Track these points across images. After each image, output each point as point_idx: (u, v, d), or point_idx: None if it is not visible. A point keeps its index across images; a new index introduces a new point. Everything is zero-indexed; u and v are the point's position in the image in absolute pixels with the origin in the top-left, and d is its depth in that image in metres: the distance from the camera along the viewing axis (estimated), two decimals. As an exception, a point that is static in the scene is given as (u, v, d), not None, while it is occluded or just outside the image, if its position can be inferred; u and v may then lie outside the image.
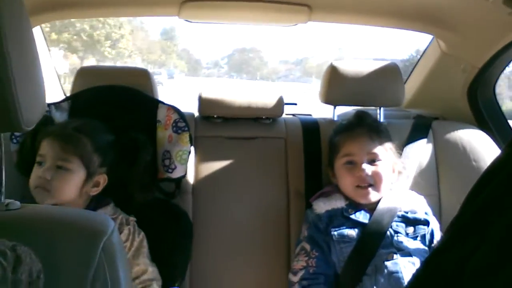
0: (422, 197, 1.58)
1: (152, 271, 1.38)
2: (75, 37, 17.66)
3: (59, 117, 1.55)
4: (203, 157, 1.73)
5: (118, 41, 19.12)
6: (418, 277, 0.65)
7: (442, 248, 0.63)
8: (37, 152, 1.37)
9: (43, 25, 1.87)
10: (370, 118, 1.64)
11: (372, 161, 1.52)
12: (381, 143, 1.55)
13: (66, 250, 0.78)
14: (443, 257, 0.61)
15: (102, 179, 1.41)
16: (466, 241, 0.58)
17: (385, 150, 1.55)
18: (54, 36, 15.47)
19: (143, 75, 1.67)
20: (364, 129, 1.56)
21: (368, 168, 1.50)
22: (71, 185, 1.35)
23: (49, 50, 2.00)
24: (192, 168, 1.69)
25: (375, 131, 1.57)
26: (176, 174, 1.54)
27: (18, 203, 0.85)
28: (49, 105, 1.56)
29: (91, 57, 18.37)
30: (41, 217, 0.84)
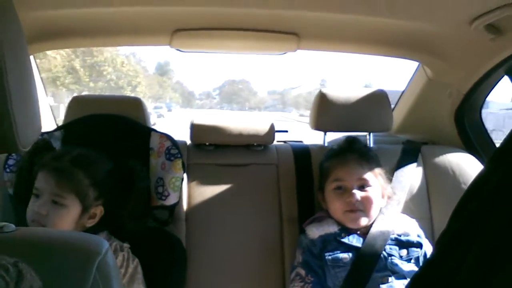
0: (414, 220, 1.59)
1: None
2: (105, 84, 23.43)
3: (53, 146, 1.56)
4: (196, 184, 1.73)
5: (136, 86, 25.71)
6: None
7: (432, 260, 0.64)
8: (34, 181, 1.36)
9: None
10: (360, 144, 1.66)
11: (361, 187, 1.54)
12: (370, 169, 1.57)
13: (61, 270, 0.77)
14: (433, 269, 0.61)
15: (99, 211, 1.40)
16: (454, 252, 0.59)
17: (374, 176, 1.57)
18: (92, 84, 21.00)
19: (136, 104, 1.69)
20: (354, 155, 1.58)
21: (358, 194, 1.52)
22: (66, 220, 1.33)
23: (41, 79, 2.01)
24: (185, 195, 1.69)
25: (365, 157, 1.59)
26: (169, 201, 1.54)
27: (12, 225, 0.85)
28: (42, 133, 1.56)
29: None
30: (35, 239, 0.84)
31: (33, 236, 0.85)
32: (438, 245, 0.63)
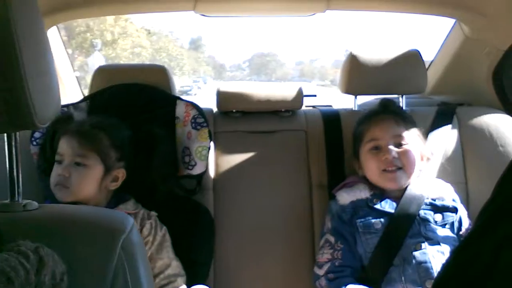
0: (449, 184, 1.54)
1: (176, 266, 1.38)
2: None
3: (78, 117, 1.56)
4: (223, 152, 1.71)
5: (183, 66, 25.41)
6: (449, 267, 0.62)
7: (474, 235, 0.60)
8: (56, 151, 1.37)
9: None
10: (394, 106, 1.61)
11: (398, 145, 1.49)
12: (407, 128, 1.51)
13: (84, 249, 0.76)
14: (475, 245, 0.58)
15: (121, 174, 1.41)
16: (498, 227, 0.55)
17: (411, 135, 1.51)
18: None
19: (161, 72, 1.66)
20: (389, 115, 1.54)
21: (394, 150, 1.47)
22: (89, 181, 1.35)
23: (66, 51, 2.00)
24: (212, 164, 1.68)
25: (400, 117, 1.53)
26: (196, 171, 1.53)
27: (35, 203, 0.84)
28: (67, 105, 1.57)
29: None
30: (58, 217, 0.83)
31: (55, 215, 0.84)
32: (480, 219, 0.59)
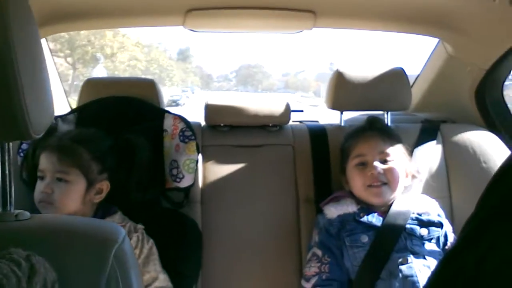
0: (434, 200, 1.57)
1: (164, 279, 1.37)
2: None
3: (66, 129, 1.55)
4: (211, 166, 1.72)
5: (173, 77, 27.36)
6: (433, 282, 0.63)
7: (458, 248, 0.61)
8: (37, 166, 1.36)
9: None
10: (381, 123, 1.64)
11: (384, 161, 1.51)
12: (392, 145, 1.54)
13: (77, 259, 0.77)
14: (459, 258, 0.59)
15: (105, 186, 1.40)
16: (481, 239, 0.56)
17: (397, 152, 1.54)
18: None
19: (150, 86, 1.67)
20: (375, 132, 1.56)
21: (379, 166, 1.49)
22: (72, 196, 1.34)
23: (54, 62, 2.00)
24: (200, 177, 1.68)
25: (386, 134, 1.56)
26: (184, 184, 1.53)
27: (27, 213, 0.84)
28: (56, 117, 1.55)
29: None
30: (51, 227, 0.83)
31: (47, 225, 0.84)
32: (463, 231, 0.60)
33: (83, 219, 1.04)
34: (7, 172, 0.83)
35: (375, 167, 1.49)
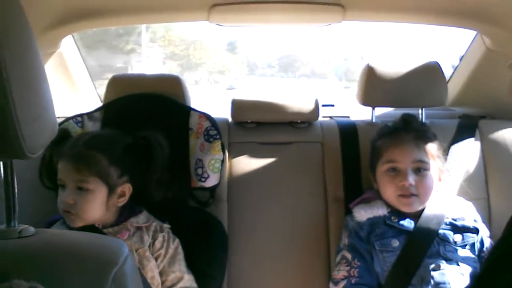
0: (470, 203, 1.50)
1: (188, 279, 1.36)
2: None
3: (92, 127, 1.55)
4: (237, 163, 1.69)
5: (226, 71, 27.06)
6: None
7: (482, 279, 0.57)
8: (56, 171, 1.34)
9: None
10: (416, 123, 1.55)
11: (417, 170, 1.44)
12: (427, 150, 1.46)
13: (75, 282, 0.74)
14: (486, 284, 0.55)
15: (127, 188, 1.37)
16: (505, 271, 0.52)
17: (432, 158, 1.46)
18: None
19: (175, 82, 1.64)
20: (410, 135, 1.48)
21: (412, 178, 1.42)
22: (95, 204, 1.31)
23: (82, 59, 2.00)
24: (226, 175, 1.65)
25: (422, 137, 1.48)
26: (209, 183, 1.51)
27: (32, 229, 0.82)
28: (81, 115, 1.56)
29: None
30: (52, 246, 0.80)
31: (50, 243, 0.82)
32: (490, 257, 0.56)
33: (87, 236, 0.99)
34: (10, 187, 0.82)
35: (407, 178, 1.41)
